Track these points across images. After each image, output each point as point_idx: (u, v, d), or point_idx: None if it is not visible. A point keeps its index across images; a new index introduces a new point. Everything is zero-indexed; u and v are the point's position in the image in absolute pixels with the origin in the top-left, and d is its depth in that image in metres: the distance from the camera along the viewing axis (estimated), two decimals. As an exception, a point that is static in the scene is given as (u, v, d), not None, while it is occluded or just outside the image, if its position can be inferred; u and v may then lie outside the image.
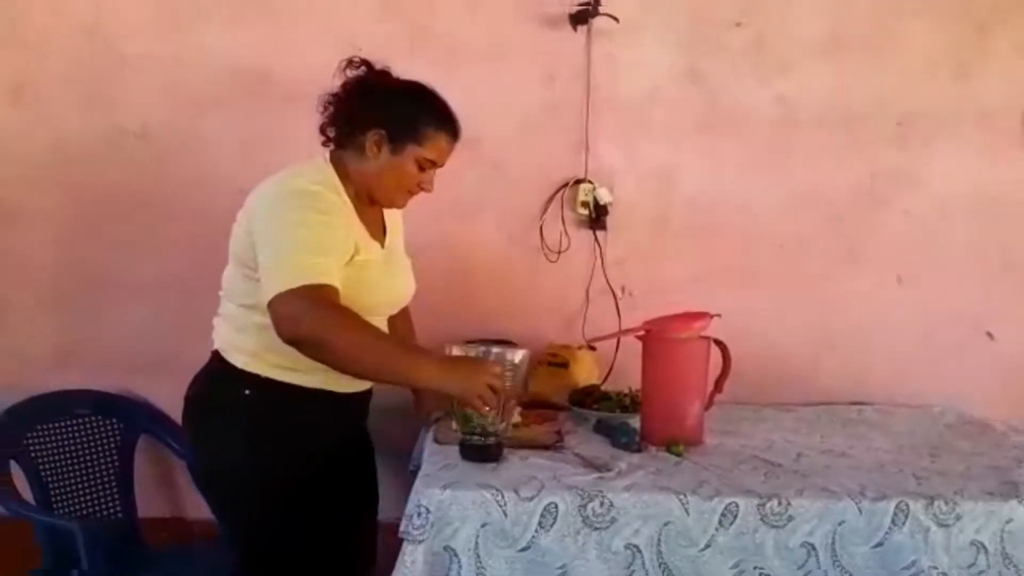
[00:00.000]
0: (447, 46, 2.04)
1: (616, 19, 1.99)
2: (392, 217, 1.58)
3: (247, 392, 1.40)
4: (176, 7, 2.02)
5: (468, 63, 2.04)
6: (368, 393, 1.57)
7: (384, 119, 1.41)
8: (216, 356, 1.46)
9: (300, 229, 1.31)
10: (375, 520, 1.66)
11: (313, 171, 1.42)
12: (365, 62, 1.46)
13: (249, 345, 1.41)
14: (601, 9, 1.98)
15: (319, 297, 1.25)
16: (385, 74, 1.47)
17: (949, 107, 2.10)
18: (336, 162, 1.45)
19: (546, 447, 1.52)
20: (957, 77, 2.10)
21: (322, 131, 1.48)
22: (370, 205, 1.49)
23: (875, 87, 2.09)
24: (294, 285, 1.24)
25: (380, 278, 1.47)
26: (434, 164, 1.46)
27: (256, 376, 1.40)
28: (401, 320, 1.69)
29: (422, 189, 1.48)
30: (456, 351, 1.46)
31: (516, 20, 2.04)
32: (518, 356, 1.39)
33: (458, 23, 2.04)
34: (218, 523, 1.54)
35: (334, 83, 1.45)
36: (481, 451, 1.41)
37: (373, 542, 1.66)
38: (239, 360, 1.42)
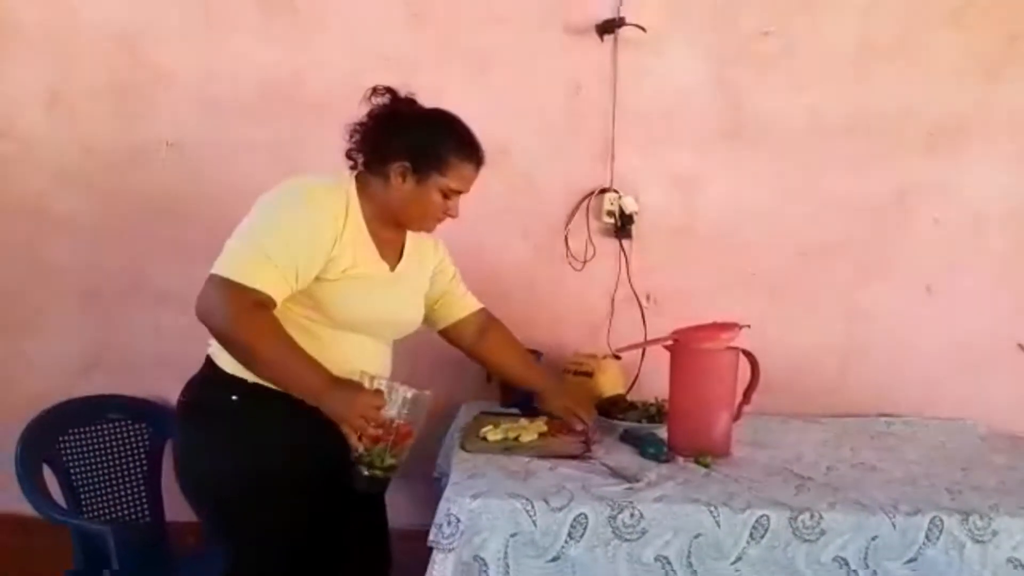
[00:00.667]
0: (474, 56, 2.06)
1: (643, 29, 1.99)
2: (419, 246, 1.58)
3: (234, 398, 1.41)
4: (208, 19, 2.06)
5: (495, 72, 2.06)
6: None
7: (408, 150, 1.43)
8: (207, 361, 1.47)
9: (274, 226, 1.34)
10: (383, 527, 1.66)
11: (330, 179, 1.45)
12: (390, 90, 1.47)
13: None
14: (628, 19, 1.98)
15: (242, 295, 1.29)
16: (411, 102, 1.48)
17: (979, 116, 2.09)
18: (361, 182, 1.47)
19: (574, 457, 1.52)
20: (987, 86, 2.08)
21: (348, 156, 1.50)
22: (395, 228, 1.51)
23: (904, 96, 2.08)
24: (234, 278, 1.29)
25: (376, 297, 1.46)
26: (458, 192, 1.49)
27: (243, 381, 1.40)
28: (500, 331, 1.74)
29: (448, 215, 1.51)
30: (365, 380, 1.40)
31: (543, 30, 2.05)
32: (411, 393, 1.37)
33: (485, 33, 2.06)
34: (205, 529, 1.53)
35: (360, 110, 1.47)
36: (365, 481, 1.37)
37: (384, 548, 1.66)
38: (227, 364, 1.42)
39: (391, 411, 1.35)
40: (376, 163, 1.46)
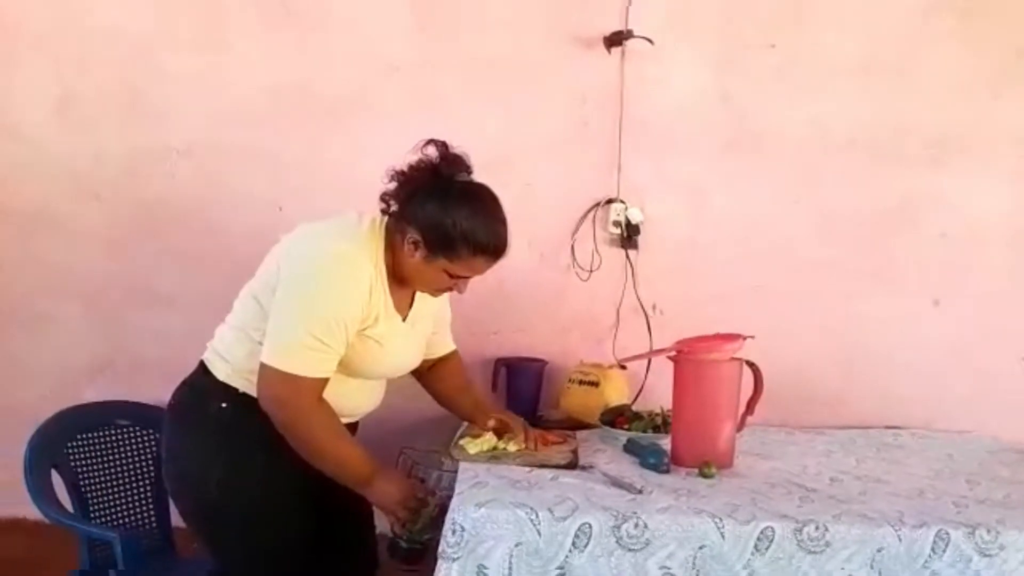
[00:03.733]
0: (481, 66, 2.07)
1: (651, 41, 2.00)
2: None
3: (224, 405, 1.44)
4: (217, 26, 2.08)
5: (502, 83, 2.07)
6: (354, 425, 1.59)
7: (423, 225, 1.39)
8: (200, 366, 1.50)
9: (316, 306, 1.36)
10: (369, 537, 1.67)
11: (357, 235, 1.43)
12: (442, 147, 1.42)
13: (238, 359, 1.44)
14: (635, 32, 2.00)
15: (305, 391, 1.37)
16: (459, 166, 1.42)
17: (983, 129, 2.08)
18: (388, 231, 1.46)
19: (559, 467, 1.52)
20: (991, 99, 2.08)
21: (383, 199, 1.46)
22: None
23: (908, 109, 2.08)
24: (288, 369, 1.35)
25: (388, 352, 1.48)
26: (466, 278, 1.46)
27: (235, 390, 1.44)
28: (452, 367, 1.73)
29: (455, 290, 1.49)
30: (406, 463, 1.51)
31: (550, 41, 2.07)
32: (447, 475, 1.46)
33: (493, 43, 2.07)
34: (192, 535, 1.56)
35: (409, 157, 1.43)
36: (403, 552, 1.45)
37: (371, 554, 1.68)
38: (221, 372, 1.46)
39: (430, 487, 1.45)
40: (401, 219, 1.43)
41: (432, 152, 1.42)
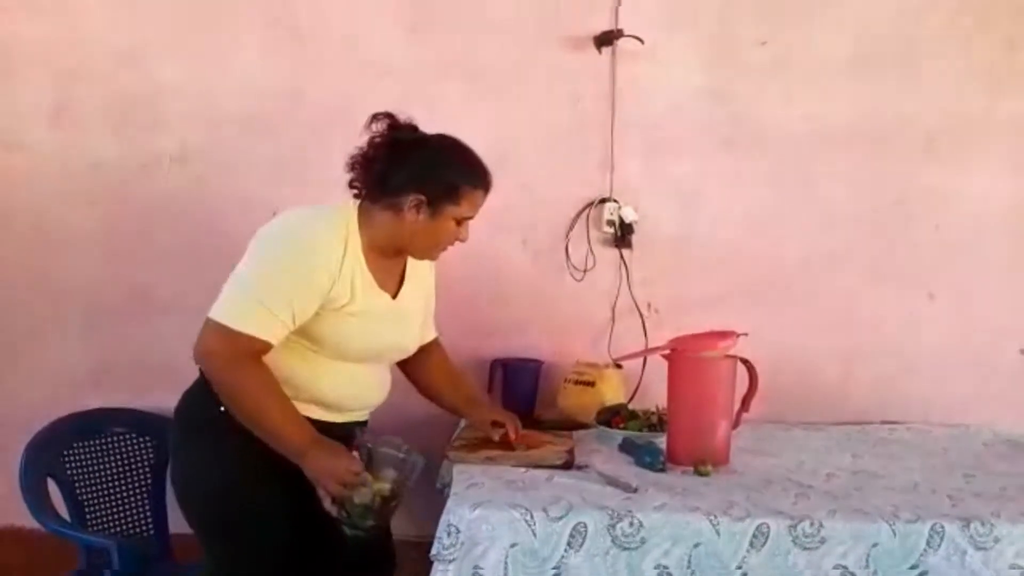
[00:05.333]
0: (474, 69, 2.07)
1: (641, 40, 2.01)
2: (417, 268, 1.58)
3: (222, 409, 1.42)
4: (211, 34, 2.08)
5: (495, 86, 2.08)
6: (363, 422, 1.58)
7: (421, 183, 1.41)
8: (200, 371, 1.49)
9: (271, 271, 1.36)
10: (387, 536, 1.64)
11: (330, 212, 1.44)
12: (389, 115, 1.44)
13: None
14: (626, 31, 2.00)
15: (241, 347, 1.33)
16: (412, 128, 1.46)
17: (978, 122, 2.09)
18: (363, 212, 1.46)
19: (555, 467, 1.52)
20: (986, 92, 2.08)
21: (351, 185, 1.47)
22: (395, 256, 1.50)
23: (902, 103, 2.08)
24: (229, 323, 1.33)
25: (375, 331, 1.47)
26: (469, 218, 1.48)
27: None
28: (437, 356, 1.72)
29: (459, 240, 1.50)
30: (357, 436, 1.41)
31: (541, 43, 2.07)
32: (399, 456, 1.36)
33: (484, 46, 2.07)
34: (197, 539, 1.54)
35: (361, 138, 1.45)
36: (349, 538, 1.37)
37: (387, 555, 1.66)
38: None
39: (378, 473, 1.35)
40: (384, 195, 1.43)
41: (382, 125, 1.44)
